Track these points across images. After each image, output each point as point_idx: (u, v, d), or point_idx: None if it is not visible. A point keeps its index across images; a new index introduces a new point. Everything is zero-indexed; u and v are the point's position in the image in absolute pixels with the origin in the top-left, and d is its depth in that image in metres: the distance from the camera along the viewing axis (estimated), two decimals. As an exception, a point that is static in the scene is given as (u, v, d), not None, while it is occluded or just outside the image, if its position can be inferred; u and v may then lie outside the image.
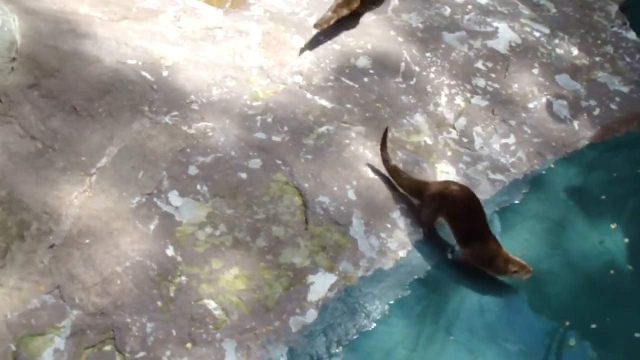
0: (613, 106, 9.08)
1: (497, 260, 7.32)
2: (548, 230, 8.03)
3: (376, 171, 7.77)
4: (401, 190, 7.70)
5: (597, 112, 9.01)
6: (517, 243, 7.68)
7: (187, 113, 7.62)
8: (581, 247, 7.91)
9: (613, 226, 8.06)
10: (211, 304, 6.58)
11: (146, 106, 7.55)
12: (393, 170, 7.62)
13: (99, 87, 7.58)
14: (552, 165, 8.54)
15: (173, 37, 8.25)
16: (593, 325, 7.19)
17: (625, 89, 9.30)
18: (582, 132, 8.85)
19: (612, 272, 7.66)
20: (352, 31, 8.82)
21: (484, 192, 8.02)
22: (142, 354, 6.21)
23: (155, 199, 7.02)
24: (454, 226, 7.46)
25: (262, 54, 8.33)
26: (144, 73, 7.77)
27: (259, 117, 7.79)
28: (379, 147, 7.81)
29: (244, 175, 7.36)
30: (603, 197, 8.34)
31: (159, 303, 6.47)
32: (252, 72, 8.14)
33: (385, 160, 7.64)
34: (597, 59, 9.64)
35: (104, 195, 6.92)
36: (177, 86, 7.76)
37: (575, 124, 8.87)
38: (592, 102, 9.07)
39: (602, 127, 8.94)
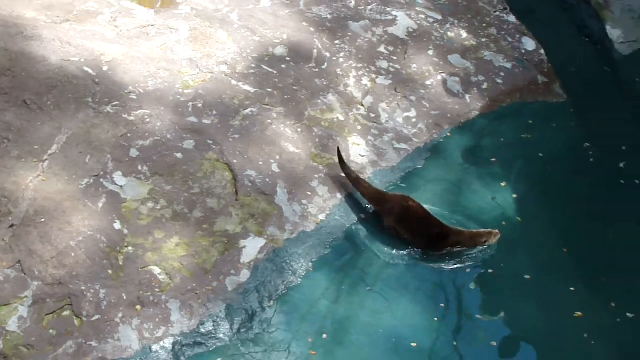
0: (499, 80, 9.23)
1: (466, 242, 7.44)
2: (448, 191, 8.14)
3: (296, 146, 7.80)
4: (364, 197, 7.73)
5: (485, 86, 9.14)
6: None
7: (127, 102, 7.59)
8: (477, 204, 8.04)
9: (503, 184, 8.23)
10: (156, 270, 6.60)
11: (90, 98, 7.51)
12: (354, 180, 7.61)
13: (46, 83, 7.52)
14: (449, 134, 8.65)
15: (111, 35, 8.20)
16: (490, 270, 7.38)
17: (508, 65, 9.45)
18: (473, 104, 8.98)
19: (504, 223, 7.81)
20: (269, 24, 8.84)
21: (390, 160, 8.14)
22: (97, 317, 6.23)
23: (101, 180, 7.00)
24: (417, 242, 7.50)
25: (191, 47, 8.32)
26: (86, 69, 7.73)
27: (190, 103, 7.79)
28: (298, 124, 7.89)
29: (179, 155, 7.36)
30: (493, 159, 8.48)
31: (110, 271, 6.48)
32: (182, 64, 8.13)
33: (347, 173, 7.62)
34: (483, 40, 9.77)
35: (56, 179, 6.88)
36: (117, 79, 7.72)
37: (467, 97, 9.00)
38: (481, 78, 9.21)
39: (490, 99, 9.08)
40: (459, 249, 7.48)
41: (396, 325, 6.86)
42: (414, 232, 7.47)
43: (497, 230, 7.48)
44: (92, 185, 6.95)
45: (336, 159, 7.75)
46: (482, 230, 7.52)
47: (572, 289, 7.32)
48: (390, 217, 7.47)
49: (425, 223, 7.43)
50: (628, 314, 7.11)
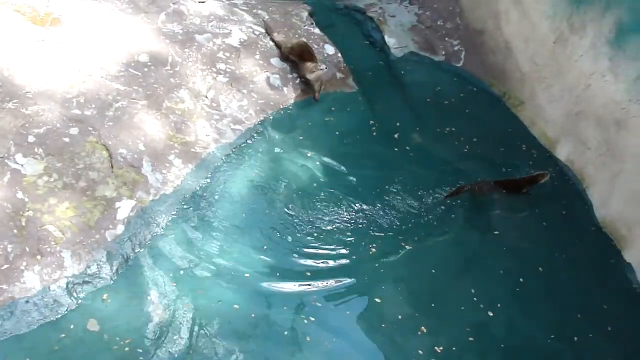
0: (308, 76, 9.41)
1: (532, 182, 8.30)
2: (271, 159, 8.36)
3: (156, 129, 7.89)
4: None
5: (297, 81, 9.34)
6: (251, 168, 8.04)
7: (25, 100, 7.45)
8: (292, 168, 8.31)
9: (309, 154, 8.50)
10: (52, 228, 6.64)
11: (-6, 97, 7.33)
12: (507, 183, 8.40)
13: (-41, 87, 7.29)
14: (271, 117, 8.82)
15: (12, 49, 7.93)
16: (309, 218, 7.76)
17: (315, 65, 9.61)
18: (289, 95, 9.17)
19: (315, 185, 8.18)
20: (135, 37, 8.75)
21: (228, 138, 8.30)
22: (6, 266, 6.29)
23: (6, 160, 6.93)
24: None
25: (73, 55, 8.18)
26: (-9, 75, 7.51)
27: (74, 99, 7.72)
28: (158, 113, 7.98)
29: (67, 140, 7.33)
30: (301, 137, 8.71)
31: (15, 231, 6.48)
32: (68, 69, 8.00)
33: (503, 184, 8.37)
34: (296, 47, 9.89)
35: (-30, 161, 6.77)
36: (16, 82, 7.56)
37: (285, 89, 9.18)
38: (294, 75, 9.40)
39: (301, 91, 9.28)
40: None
41: (236, 259, 7.13)
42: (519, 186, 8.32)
43: (544, 172, 8.26)
44: (-1, 165, 6.86)
45: (187, 138, 7.89)
46: (538, 172, 8.27)
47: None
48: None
49: (518, 181, 8.21)
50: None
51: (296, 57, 9.34)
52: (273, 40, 9.64)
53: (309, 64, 9.14)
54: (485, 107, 9.81)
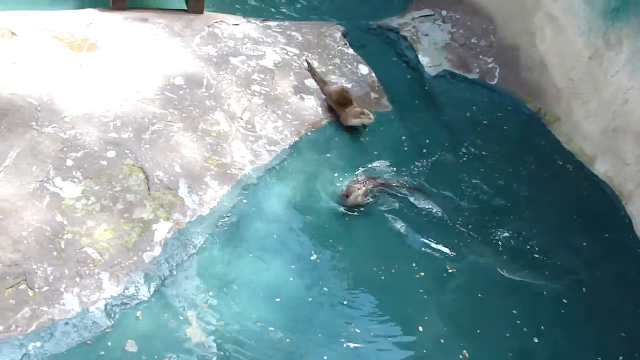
0: (341, 97, 9.42)
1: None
2: (307, 180, 8.34)
3: (192, 151, 7.93)
4: None
5: (332, 102, 9.31)
6: (286, 189, 8.06)
7: (62, 124, 7.56)
8: (327, 189, 8.30)
9: (335, 175, 8.50)
10: (90, 250, 6.68)
11: (34, 122, 7.45)
12: None
13: (0, 113, 7.45)
14: (307, 138, 8.84)
15: (50, 73, 8.08)
16: (330, 241, 7.73)
17: (349, 85, 9.68)
18: (323, 115, 9.21)
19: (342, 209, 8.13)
20: (170, 60, 8.87)
21: (264, 159, 8.31)
22: (46, 288, 6.30)
23: (45, 184, 7.01)
24: None
25: (112, 80, 8.30)
26: (30, 100, 7.64)
27: (111, 123, 7.80)
28: (193, 135, 8.02)
29: (104, 162, 7.40)
30: (336, 158, 8.71)
31: (54, 253, 6.53)
32: (105, 93, 8.10)
33: None
34: (330, 67, 10.00)
35: (10, 185, 6.87)
36: (54, 107, 7.68)
37: (319, 110, 9.21)
38: (329, 96, 9.38)
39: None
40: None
41: (270, 281, 7.09)
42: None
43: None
44: (38, 188, 6.96)
45: (223, 160, 7.91)
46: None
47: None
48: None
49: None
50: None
51: (334, 103, 9.24)
52: (316, 81, 9.59)
53: (351, 110, 9.01)
54: (521, 124, 9.80)
